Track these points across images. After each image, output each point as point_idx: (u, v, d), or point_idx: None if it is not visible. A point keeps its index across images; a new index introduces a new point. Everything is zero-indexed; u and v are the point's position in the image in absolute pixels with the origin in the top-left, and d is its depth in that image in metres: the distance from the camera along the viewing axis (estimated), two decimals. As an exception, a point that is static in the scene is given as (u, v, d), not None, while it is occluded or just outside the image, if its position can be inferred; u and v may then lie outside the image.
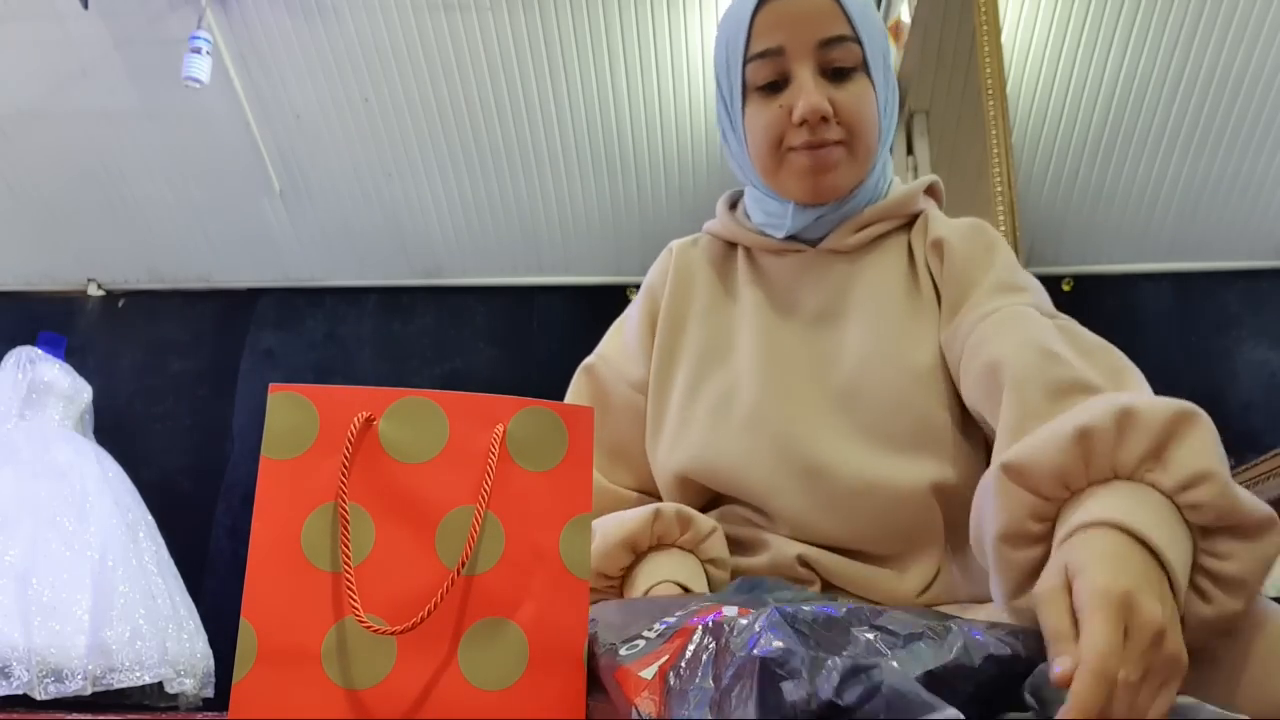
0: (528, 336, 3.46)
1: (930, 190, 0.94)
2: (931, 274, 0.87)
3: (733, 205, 0.99)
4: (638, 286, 1.01)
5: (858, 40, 0.84)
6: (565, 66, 2.94)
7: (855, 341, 0.84)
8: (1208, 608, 0.53)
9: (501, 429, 0.59)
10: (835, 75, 0.84)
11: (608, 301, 3.44)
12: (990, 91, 2.37)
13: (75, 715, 2.24)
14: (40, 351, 3.10)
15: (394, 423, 0.58)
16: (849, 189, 0.88)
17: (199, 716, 2.60)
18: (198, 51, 2.65)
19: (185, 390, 3.48)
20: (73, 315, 3.59)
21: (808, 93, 0.82)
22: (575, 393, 0.96)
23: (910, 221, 0.92)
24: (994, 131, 2.35)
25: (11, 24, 2.91)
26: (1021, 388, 0.66)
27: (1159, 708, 0.46)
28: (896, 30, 2.49)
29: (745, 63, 0.86)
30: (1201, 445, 0.54)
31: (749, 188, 0.96)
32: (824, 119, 0.83)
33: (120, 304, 3.64)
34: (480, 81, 2.98)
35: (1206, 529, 0.54)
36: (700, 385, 0.88)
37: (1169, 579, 0.51)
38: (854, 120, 0.84)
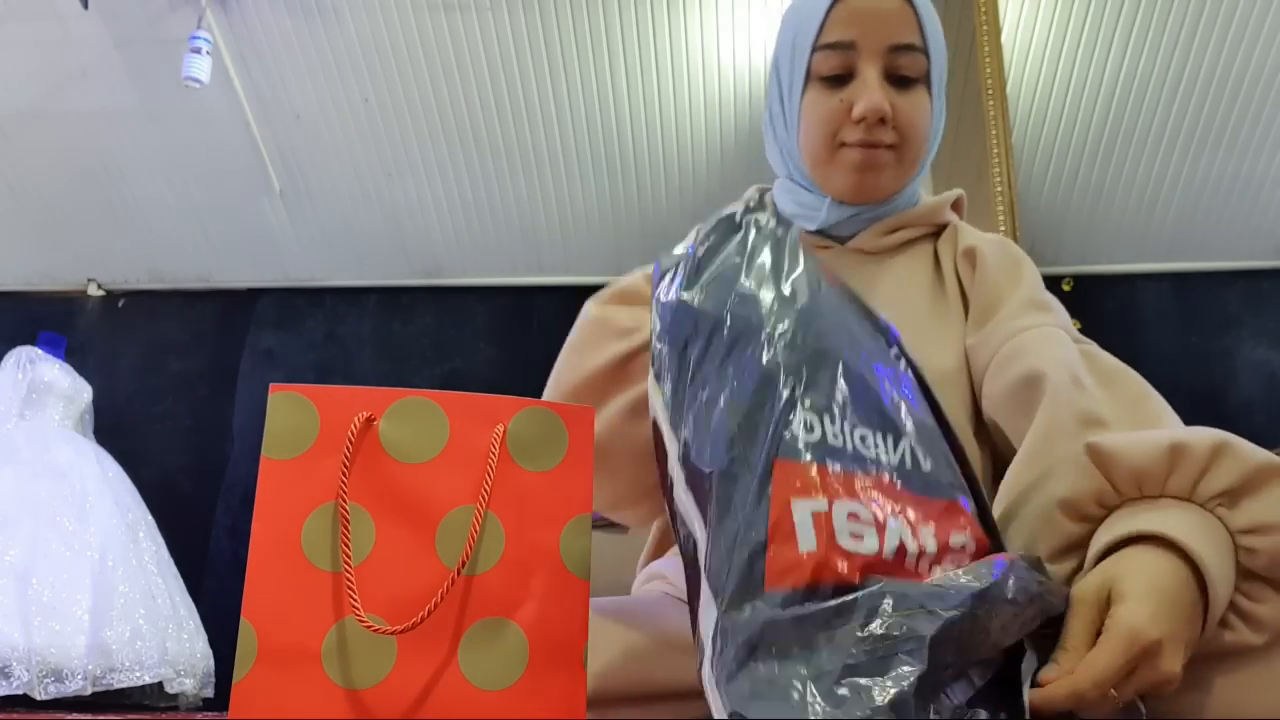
0: (528, 337, 3.45)
1: (954, 204, 0.97)
2: (960, 282, 0.88)
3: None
4: (638, 287, 1.00)
5: (926, 53, 0.86)
6: (565, 66, 2.94)
7: None
8: (1228, 635, 0.54)
9: (502, 429, 0.59)
10: (899, 82, 0.86)
11: (608, 301, 3.44)
12: (990, 91, 2.37)
13: (75, 715, 2.23)
14: (40, 351, 3.09)
15: (394, 423, 0.58)
16: (890, 193, 0.90)
17: (199, 716, 2.60)
18: (198, 51, 2.64)
19: (185, 390, 3.48)
20: (73, 315, 3.58)
21: (871, 92, 0.84)
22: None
23: (937, 231, 0.94)
24: (994, 131, 2.35)
25: (11, 24, 2.90)
26: (1057, 404, 0.69)
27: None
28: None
29: (814, 50, 0.87)
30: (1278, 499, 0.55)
31: (781, 179, 0.97)
32: (881, 120, 0.85)
33: (120, 304, 3.64)
34: (480, 81, 2.98)
35: (1251, 572, 0.54)
36: None
37: (1205, 607, 0.52)
38: (909, 128, 0.86)
